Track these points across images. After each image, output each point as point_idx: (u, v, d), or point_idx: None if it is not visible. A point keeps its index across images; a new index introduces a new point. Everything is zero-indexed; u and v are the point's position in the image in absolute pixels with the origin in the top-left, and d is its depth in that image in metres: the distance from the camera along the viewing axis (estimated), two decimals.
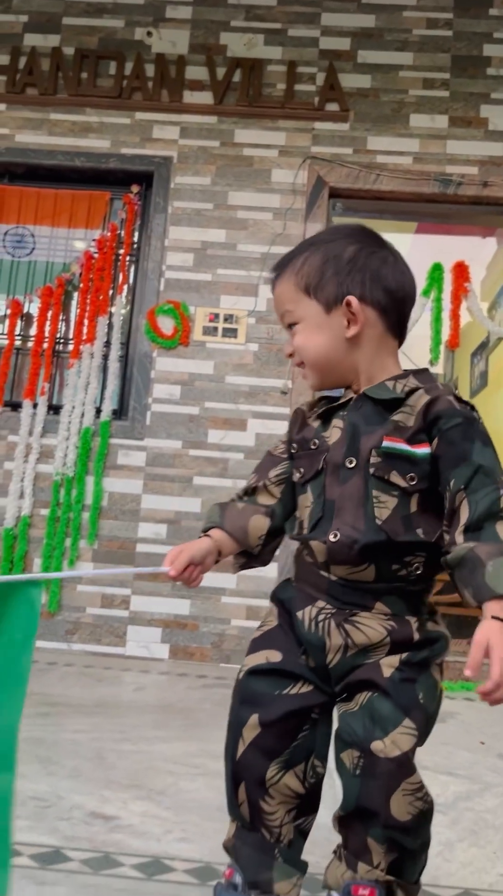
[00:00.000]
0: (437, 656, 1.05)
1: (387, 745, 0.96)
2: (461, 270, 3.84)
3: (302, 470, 1.14)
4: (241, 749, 1.06)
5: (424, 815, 0.99)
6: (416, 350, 3.16)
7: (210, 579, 3.56)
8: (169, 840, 1.45)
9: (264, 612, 3.78)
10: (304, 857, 1.07)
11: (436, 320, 3.82)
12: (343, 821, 1.03)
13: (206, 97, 3.95)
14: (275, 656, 1.08)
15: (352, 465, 1.06)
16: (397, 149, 3.82)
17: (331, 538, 1.05)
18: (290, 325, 1.14)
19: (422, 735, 1.00)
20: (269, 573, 3.60)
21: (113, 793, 1.69)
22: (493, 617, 0.88)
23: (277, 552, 1.21)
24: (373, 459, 1.04)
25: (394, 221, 4.05)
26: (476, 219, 4.00)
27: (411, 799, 0.97)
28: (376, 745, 0.97)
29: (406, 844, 0.98)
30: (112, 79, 3.99)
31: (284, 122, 3.91)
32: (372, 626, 1.03)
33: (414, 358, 3.05)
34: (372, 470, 1.04)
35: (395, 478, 1.03)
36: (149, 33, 3.99)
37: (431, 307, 3.84)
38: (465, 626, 4.64)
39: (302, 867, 1.07)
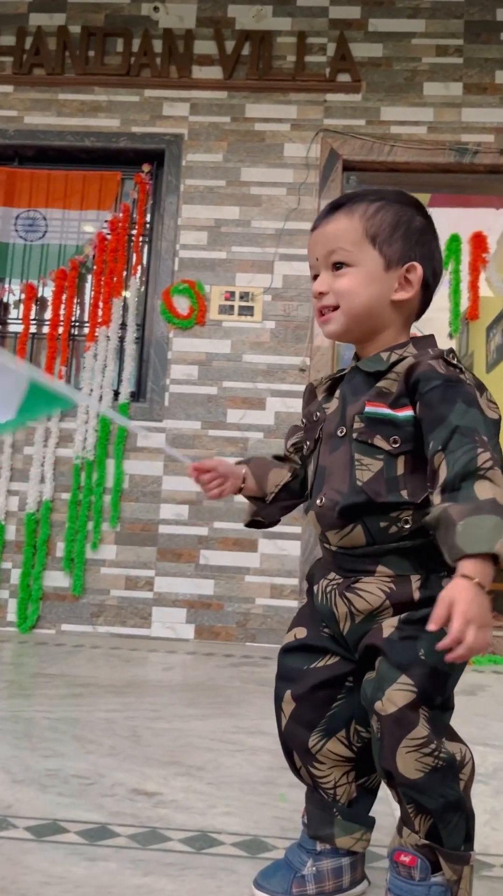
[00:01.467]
0: None
1: (385, 703, 0.98)
2: (479, 241, 3.79)
3: (307, 442, 1.19)
4: (283, 722, 1.15)
5: (439, 773, 0.97)
6: (436, 323, 3.12)
7: (234, 559, 3.57)
8: (214, 814, 1.45)
9: (287, 590, 3.76)
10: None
11: (455, 292, 3.77)
12: (387, 784, 1.05)
13: (215, 72, 3.89)
14: (301, 633, 1.16)
15: (342, 433, 1.10)
16: (411, 118, 3.75)
17: (318, 503, 1.10)
18: (337, 265, 1.10)
19: (428, 690, 0.98)
20: (293, 552, 3.59)
21: (153, 770, 1.69)
22: (463, 575, 0.88)
23: (298, 526, 1.21)
24: (356, 425, 1.07)
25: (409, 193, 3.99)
26: (493, 188, 3.93)
27: (417, 755, 0.96)
28: (377, 705, 0.99)
29: (424, 804, 0.98)
30: (120, 56, 3.94)
31: (296, 95, 3.85)
32: (371, 591, 1.05)
33: (433, 331, 3.01)
34: (355, 435, 1.07)
35: (379, 441, 1.04)
36: (155, 8, 3.94)
37: (450, 279, 3.79)
38: (493, 600, 4.61)
39: (367, 822, 1.13)
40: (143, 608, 3.60)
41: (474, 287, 3.78)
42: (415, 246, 1.11)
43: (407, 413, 1.04)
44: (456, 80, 3.80)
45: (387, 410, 1.05)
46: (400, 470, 1.03)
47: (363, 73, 3.83)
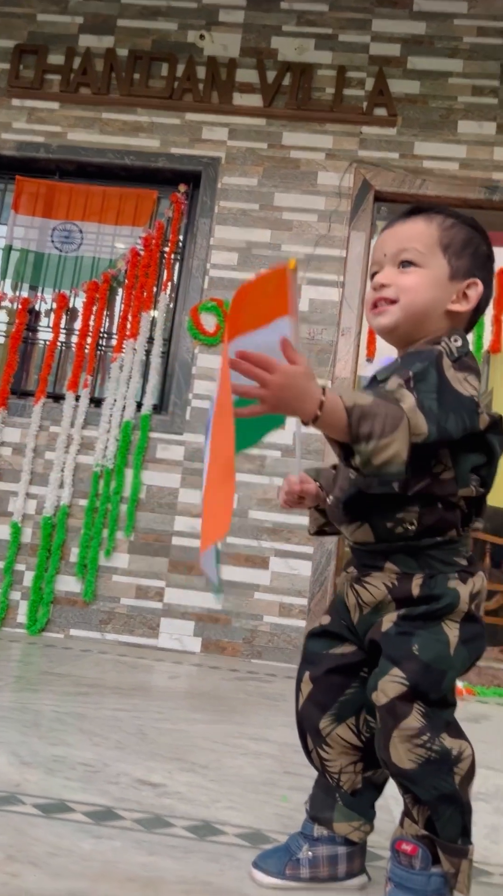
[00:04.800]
0: (445, 612, 1.06)
1: (378, 694, 1.02)
2: None
3: None
4: (301, 701, 1.19)
5: (432, 764, 1.00)
6: None
7: (245, 575, 3.59)
8: (217, 808, 1.47)
9: (296, 610, 3.77)
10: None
11: (479, 325, 3.82)
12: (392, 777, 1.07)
13: (255, 100, 4.00)
14: (326, 620, 1.21)
15: None
16: (444, 154, 3.84)
17: (329, 501, 1.19)
18: (405, 263, 1.15)
19: (420, 685, 1.01)
20: (304, 572, 3.61)
21: (158, 764, 1.71)
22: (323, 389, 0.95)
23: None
24: None
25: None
26: None
27: (409, 746, 1.00)
28: (373, 696, 1.04)
29: (419, 794, 1.01)
30: (163, 80, 4.06)
31: (332, 126, 3.95)
32: (376, 584, 1.10)
33: None
34: None
35: None
36: (201, 36, 4.06)
37: None
38: (496, 634, 4.58)
39: (367, 815, 1.15)
40: (151, 618, 3.62)
41: (498, 321, 3.83)
42: (480, 268, 1.17)
43: None
44: (490, 120, 3.89)
45: None
46: None
47: (399, 108, 3.93)
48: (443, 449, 1.05)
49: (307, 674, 1.19)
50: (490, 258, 1.19)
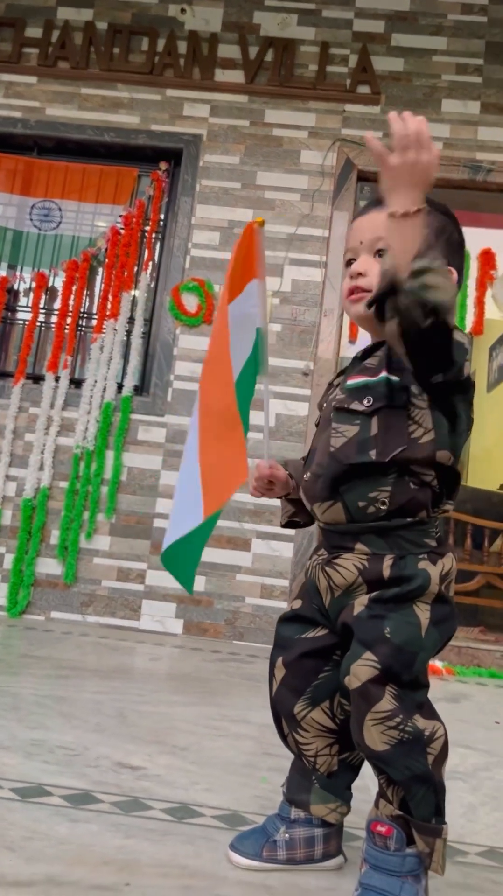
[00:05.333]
0: (416, 594, 1.06)
1: (351, 678, 1.03)
2: (487, 258, 3.84)
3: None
4: (275, 687, 1.20)
5: (404, 745, 1.00)
6: None
7: (226, 557, 3.59)
8: (196, 790, 1.47)
9: (278, 591, 3.77)
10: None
11: (461, 307, 3.81)
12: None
13: (237, 76, 3.94)
14: (297, 604, 1.21)
15: (329, 414, 1.16)
16: None
17: (305, 478, 1.17)
18: (381, 252, 1.14)
19: (392, 668, 1.01)
20: (285, 553, 3.61)
21: (137, 747, 1.71)
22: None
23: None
24: (338, 396, 1.14)
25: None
26: None
27: (382, 728, 1.00)
28: (346, 680, 1.04)
29: (392, 775, 1.02)
30: (144, 55, 3.99)
31: (315, 104, 3.90)
32: (347, 567, 1.10)
33: None
34: (335, 404, 1.14)
35: (355, 405, 1.11)
36: (182, 10, 3.99)
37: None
38: (476, 614, 4.61)
39: (344, 797, 1.16)
40: (133, 600, 3.61)
41: (480, 303, 3.82)
42: (453, 255, 1.17)
43: (381, 376, 1.09)
44: (474, 99, 3.86)
45: (365, 379, 1.11)
46: (373, 430, 1.08)
47: (383, 86, 3.89)
48: (422, 402, 1.06)
49: (280, 659, 1.19)
50: (461, 245, 1.19)
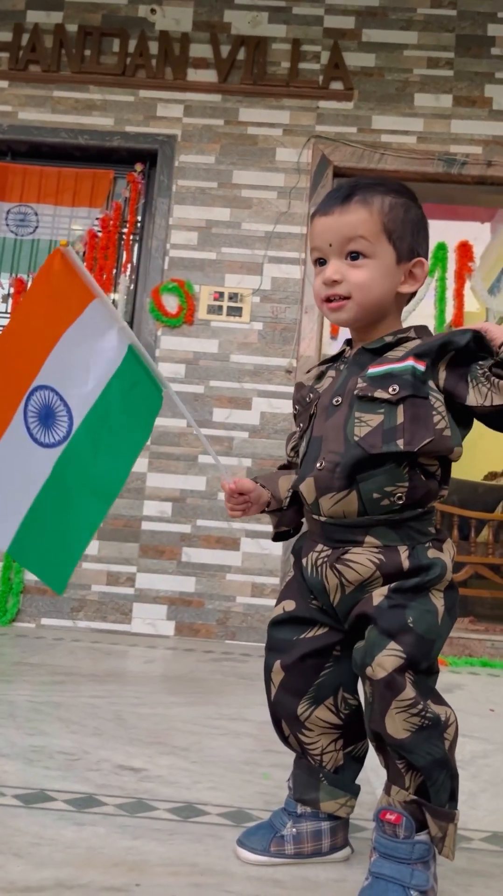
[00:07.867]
0: (434, 582, 1.07)
1: (375, 668, 1.02)
2: (465, 250, 3.85)
3: (300, 424, 1.21)
4: (273, 691, 1.18)
5: (424, 731, 1.01)
6: None
7: (216, 557, 3.58)
8: (199, 789, 1.47)
9: (268, 589, 3.76)
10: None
11: (441, 300, 3.83)
12: (376, 748, 1.08)
13: (210, 75, 3.94)
14: (290, 605, 1.19)
15: (338, 402, 1.13)
16: (401, 128, 3.82)
17: (318, 467, 1.12)
18: (353, 255, 1.12)
19: (415, 656, 1.02)
20: (275, 551, 3.61)
21: (137, 749, 1.70)
22: None
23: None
24: (359, 385, 1.10)
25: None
26: (479, 199, 4.01)
27: (405, 716, 1.01)
28: (368, 671, 1.03)
29: (413, 761, 1.02)
30: (115, 56, 3.97)
31: (289, 101, 3.91)
32: (361, 561, 1.08)
33: None
34: (356, 392, 1.10)
35: (380, 393, 1.08)
36: (152, 10, 3.98)
37: (436, 287, 3.85)
38: (465, 605, 4.64)
39: (352, 789, 1.15)
40: (123, 604, 3.60)
41: (459, 295, 3.84)
42: (420, 241, 1.16)
43: (406, 364, 1.08)
44: (446, 93, 3.88)
45: (389, 367, 1.09)
46: (399, 419, 1.06)
47: (356, 81, 3.90)
48: (439, 396, 1.08)
49: (277, 662, 1.17)
50: (423, 221, 1.18)
